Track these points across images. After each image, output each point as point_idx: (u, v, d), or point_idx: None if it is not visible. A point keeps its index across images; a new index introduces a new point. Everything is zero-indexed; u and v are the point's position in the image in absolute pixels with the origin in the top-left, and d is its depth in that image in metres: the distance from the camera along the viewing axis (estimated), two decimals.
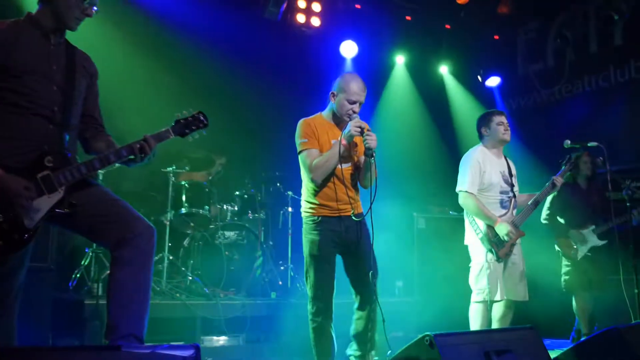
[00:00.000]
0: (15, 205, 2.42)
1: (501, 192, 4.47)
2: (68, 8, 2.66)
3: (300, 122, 3.70)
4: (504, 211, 4.45)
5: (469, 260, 4.46)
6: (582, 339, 4.80)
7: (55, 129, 2.64)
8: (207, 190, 5.89)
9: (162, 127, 2.82)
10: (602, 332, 2.94)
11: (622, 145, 6.27)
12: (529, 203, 4.49)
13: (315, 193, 3.61)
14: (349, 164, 3.66)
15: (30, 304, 4.02)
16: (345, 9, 7.28)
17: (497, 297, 4.25)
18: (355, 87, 3.56)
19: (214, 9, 6.49)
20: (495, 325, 4.39)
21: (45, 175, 2.52)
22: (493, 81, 7.85)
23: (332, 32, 7.32)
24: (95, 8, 2.74)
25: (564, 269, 5.60)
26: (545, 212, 5.65)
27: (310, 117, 3.75)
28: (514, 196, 4.51)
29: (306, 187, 3.71)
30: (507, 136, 4.54)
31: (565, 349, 3.14)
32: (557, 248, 5.64)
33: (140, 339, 2.51)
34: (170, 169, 5.58)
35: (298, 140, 3.64)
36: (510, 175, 4.59)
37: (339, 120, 3.67)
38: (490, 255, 4.31)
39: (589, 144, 4.95)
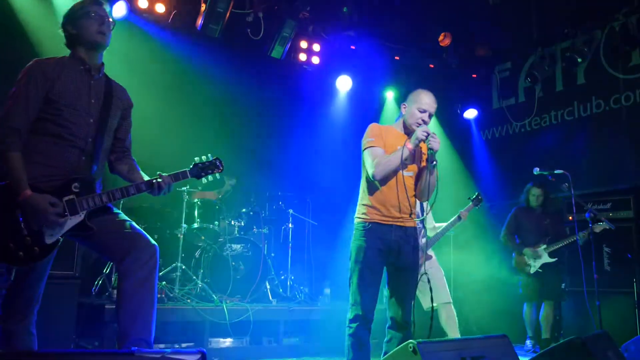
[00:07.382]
0: (41, 221, 2.39)
1: None
2: (86, 28, 2.59)
3: (371, 125, 3.36)
4: None
5: None
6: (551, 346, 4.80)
7: (87, 159, 2.60)
8: (217, 207, 5.85)
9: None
10: (566, 341, 2.88)
11: (585, 172, 6.26)
12: (439, 232, 4.71)
13: (373, 194, 3.23)
14: (411, 173, 3.29)
15: (58, 307, 4.00)
16: (341, 49, 7.28)
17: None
18: (427, 98, 3.27)
19: (226, 49, 6.48)
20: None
21: (70, 199, 2.48)
22: (470, 113, 7.77)
23: (329, 69, 7.30)
24: (111, 19, 2.67)
25: (520, 282, 5.73)
26: (503, 232, 5.83)
27: (382, 125, 3.43)
28: (423, 227, 4.53)
29: (364, 188, 3.31)
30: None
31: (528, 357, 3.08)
32: (513, 264, 5.76)
33: (149, 344, 2.45)
34: (185, 188, 5.54)
35: (365, 140, 3.29)
36: (422, 209, 4.64)
37: (408, 131, 3.31)
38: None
39: (555, 172, 4.95)
